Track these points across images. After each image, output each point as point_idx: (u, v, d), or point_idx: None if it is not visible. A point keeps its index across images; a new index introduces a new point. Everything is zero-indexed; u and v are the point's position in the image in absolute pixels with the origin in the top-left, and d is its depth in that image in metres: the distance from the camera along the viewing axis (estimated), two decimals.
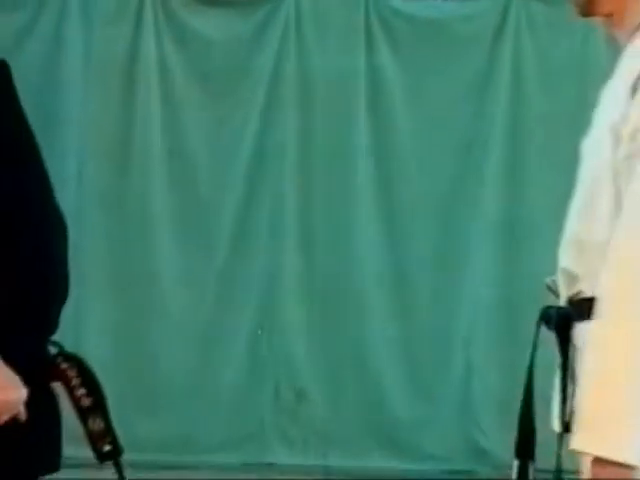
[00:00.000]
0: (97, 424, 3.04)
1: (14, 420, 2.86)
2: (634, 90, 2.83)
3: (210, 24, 8.14)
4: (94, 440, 3.05)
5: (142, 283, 8.08)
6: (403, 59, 8.11)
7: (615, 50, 3.16)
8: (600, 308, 2.81)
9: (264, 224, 8.12)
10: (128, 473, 3.13)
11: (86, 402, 3.04)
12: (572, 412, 2.96)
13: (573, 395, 2.95)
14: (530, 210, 7.70)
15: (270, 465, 7.97)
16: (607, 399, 2.80)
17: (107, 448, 3.06)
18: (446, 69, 8.06)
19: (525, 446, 3.07)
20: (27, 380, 2.90)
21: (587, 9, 3.02)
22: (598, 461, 2.78)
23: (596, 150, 2.94)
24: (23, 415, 2.87)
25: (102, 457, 3.06)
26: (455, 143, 8.03)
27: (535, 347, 3.03)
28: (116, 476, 3.12)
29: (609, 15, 3.01)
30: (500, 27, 8.01)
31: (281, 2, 8.14)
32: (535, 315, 3.09)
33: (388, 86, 8.11)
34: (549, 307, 3.03)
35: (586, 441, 2.80)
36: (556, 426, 3.00)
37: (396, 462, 7.93)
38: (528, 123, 7.80)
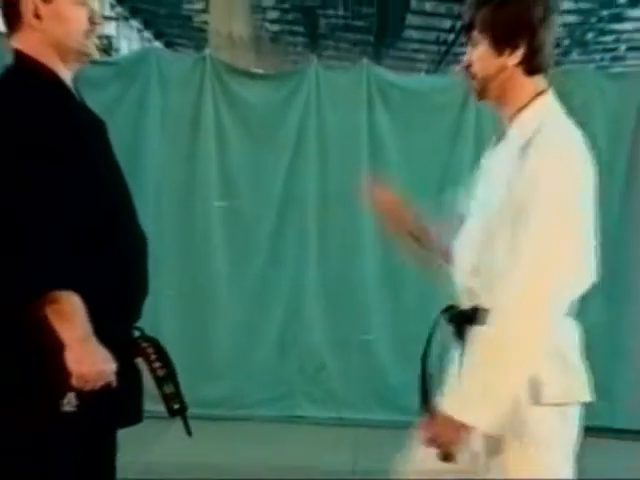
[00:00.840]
0: (169, 389, 3.14)
1: (108, 385, 2.90)
2: (521, 155, 2.92)
3: (253, 92, 8.26)
4: (167, 400, 3.14)
5: (201, 283, 8.16)
6: (395, 118, 8.25)
7: None
8: (493, 317, 2.87)
9: (292, 241, 8.25)
10: (192, 424, 3.21)
11: (160, 372, 3.13)
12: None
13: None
14: None
15: (299, 417, 8.00)
16: (482, 377, 2.86)
17: (176, 406, 3.16)
18: (427, 126, 8.17)
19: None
20: (117, 356, 2.95)
21: (480, 95, 3.13)
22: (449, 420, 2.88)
23: (493, 195, 3.00)
24: (114, 382, 2.93)
25: (173, 413, 3.17)
26: (433, 180, 8.08)
27: (433, 332, 3.30)
28: (183, 427, 3.19)
29: (497, 99, 3.10)
30: (467, 96, 8.07)
31: (304, 76, 8.25)
32: None
33: (384, 138, 8.26)
34: (452, 306, 3.15)
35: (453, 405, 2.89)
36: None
37: (390, 415, 7.97)
38: None
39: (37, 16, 3.04)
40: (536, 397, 2.91)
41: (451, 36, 28.73)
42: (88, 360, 2.86)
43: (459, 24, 26.64)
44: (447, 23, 28.12)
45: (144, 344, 3.14)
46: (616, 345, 7.96)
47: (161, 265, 7.38)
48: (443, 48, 30.70)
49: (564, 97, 8.36)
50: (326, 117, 8.25)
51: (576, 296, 3.00)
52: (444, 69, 29.65)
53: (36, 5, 3.03)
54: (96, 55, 3.26)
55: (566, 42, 29.67)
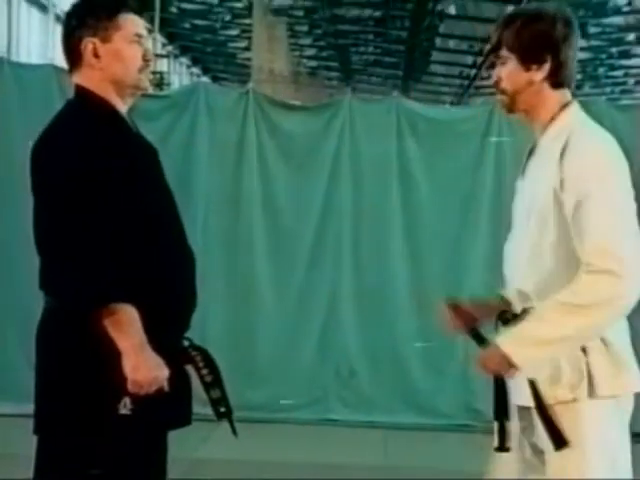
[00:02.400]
0: (216, 393, 3.12)
1: (160, 390, 2.89)
2: (561, 159, 2.91)
3: (292, 122, 8.34)
4: (214, 404, 3.12)
5: (245, 295, 8.17)
6: (422, 145, 8.30)
7: None
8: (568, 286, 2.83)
9: (329, 255, 8.30)
10: (236, 426, 3.19)
11: (208, 378, 3.11)
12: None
13: None
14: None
15: (332, 421, 7.97)
16: (537, 327, 2.84)
17: (223, 409, 3.13)
18: (451, 152, 8.18)
19: (500, 410, 3.05)
20: (169, 363, 2.93)
21: (509, 109, 3.11)
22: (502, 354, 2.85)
23: (534, 207, 2.96)
24: (166, 387, 2.91)
25: (219, 415, 3.14)
26: (458, 200, 8.13)
27: None
28: (229, 428, 3.17)
29: (525, 112, 3.08)
30: (488, 125, 8.06)
31: (339, 108, 8.33)
32: None
33: (412, 163, 8.31)
34: (505, 312, 3.09)
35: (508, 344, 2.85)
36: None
37: (417, 418, 7.98)
38: (507, 187, 7.77)
39: (96, 55, 3.06)
40: (592, 391, 2.86)
41: (473, 71, 28.73)
42: (143, 367, 2.87)
43: (480, 60, 26.64)
44: (469, 59, 28.14)
45: (193, 352, 3.11)
46: None
47: (208, 279, 7.38)
48: (466, 82, 30.73)
49: None
50: (359, 144, 8.27)
51: None
52: (467, 101, 29.67)
53: (95, 45, 3.06)
54: (149, 89, 3.28)
55: (579, 77, 29.55)
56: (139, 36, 3.11)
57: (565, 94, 3.06)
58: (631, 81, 31.06)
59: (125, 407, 2.90)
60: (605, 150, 2.94)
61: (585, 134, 2.96)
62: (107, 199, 2.90)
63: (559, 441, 2.85)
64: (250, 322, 8.17)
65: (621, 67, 29.64)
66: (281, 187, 8.29)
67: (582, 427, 2.86)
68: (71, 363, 2.93)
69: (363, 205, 8.26)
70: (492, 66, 3.13)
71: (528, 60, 2.99)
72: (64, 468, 2.97)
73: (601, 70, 29.31)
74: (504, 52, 3.03)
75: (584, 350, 2.87)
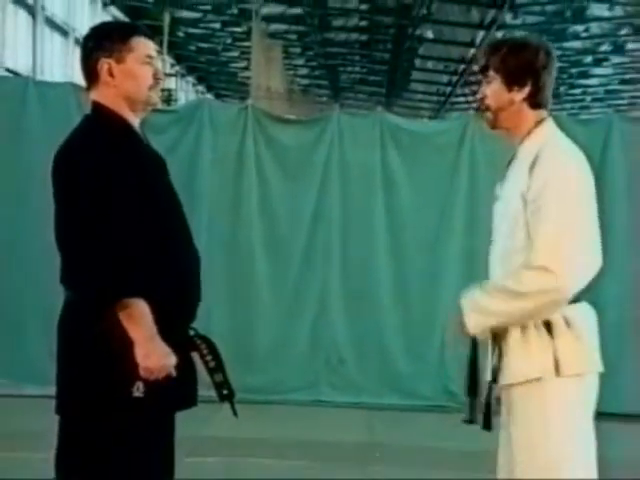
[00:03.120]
0: (219, 377, 3.11)
1: (169, 376, 2.88)
2: (531, 170, 2.97)
3: (287, 134, 8.35)
4: (217, 387, 3.11)
5: (245, 290, 8.15)
6: (404, 155, 8.33)
7: None
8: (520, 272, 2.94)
9: (320, 252, 8.30)
10: (237, 407, 3.18)
11: (212, 364, 3.10)
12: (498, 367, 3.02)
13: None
14: (483, 243, 7.63)
15: (323, 402, 8.00)
16: (490, 302, 2.96)
17: (225, 392, 3.10)
18: (429, 161, 8.21)
19: (471, 388, 3.11)
20: (177, 351, 2.93)
21: (493, 125, 3.16)
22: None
23: (508, 211, 3.03)
24: (173, 373, 2.90)
25: (222, 398, 3.12)
26: (435, 204, 8.12)
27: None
28: (230, 410, 3.16)
29: (507, 129, 3.14)
30: (462, 137, 8.08)
31: (329, 121, 8.36)
32: None
33: (394, 172, 8.35)
34: None
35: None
36: (488, 376, 3.05)
37: (399, 400, 7.98)
38: (479, 192, 7.80)
39: (111, 74, 3.06)
40: (558, 370, 2.90)
41: (449, 88, 28.74)
42: (154, 355, 2.87)
43: (455, 80, 26.66)
44: (445, 78, 28.15)
45: (198, 341, 3.10)
46: None
47: (212, 277, 7.35)
48: (442, 98, 30.74)
49: None
50: (347, 154, 8.27)
51: (587, 281, 2.98)
52: (443, 115, 29.67)
53: (110, 65, 3.06)
54: (159, 104, 3.27)
55: None
56: (150, 57, 3.10)
57: (542, 113, 3.11)
58: (588, 98, 31.16)
59: (138, 390, 2.89)
60: (569, 164, 2.98)
61: (554, 149, 3.00)
62: (121, 204, 2.90)
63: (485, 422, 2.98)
64: (249, 315, 8.15)
65: (580, 86, 29.76)
66: (277, 193, 8.27)
67: (548, 403, 2.89)
68: (89, 351, 2.92)
69: (350, 209, 8.26)
70: (478, 84, 3.19)
71: (511, 82, 3.05)
72: (84, 445, 2.96)
73: (562, 88, 29.42)
74: (490, 73, 3.09)
75: (551, 333, 2.91)
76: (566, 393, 2.91)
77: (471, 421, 3.05)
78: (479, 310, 2.95)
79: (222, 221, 8.18)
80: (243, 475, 5.78)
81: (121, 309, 2.85)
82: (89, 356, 2.93)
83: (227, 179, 8.21)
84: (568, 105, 30.61)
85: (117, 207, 2.89)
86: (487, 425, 2.98)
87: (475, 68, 3.26)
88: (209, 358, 3.09)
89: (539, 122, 3.08)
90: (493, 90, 3.07)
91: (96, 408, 2.93)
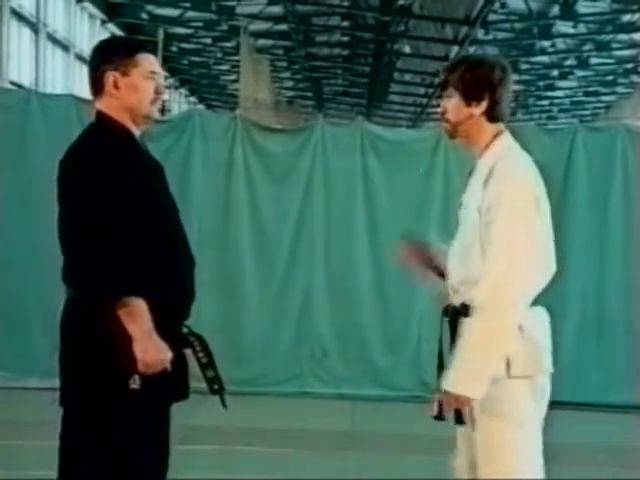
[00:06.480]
0: (210, 373, 3.10)
1: (164, 370, 2.87)
2: (485, 183, 2.98)
3: (273, 143, 8.37)
4: (209, 382, 3.09)
5: (235, 288, 8.18)
6: (383, 162, 8.36)
7: None
8: (476, 312, 2.92)
9: (305, 252, 8.32)
10: (226, 399, 3.17)
11: (204, 360, 3.09)
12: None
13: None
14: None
15: (307, 393, 7.98)
16: (471, 361, 2.90)
17: (216, 387, 3.08)
18: (406, 167, 8.23)
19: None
20: (172, 347, 2.92)
21: (451, 135, 3.15)
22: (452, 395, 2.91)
23: (468, 220, 3.04)
24: (168, 367, 2.90)
25: (213, 392, 3.09)
26: (412, 207, 8.15)
27: (442, 325, 3.09)
28: (220, 401, 3.15)
29: (465, 139, 3.12)
30: (436, 145, 8.12)
31: (313, 130, 8.41)
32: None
33: (374, 177, 8.39)
34: (447, 305, 3.12)
35: (456, 383, 2.91)
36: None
37: (378, 391, 7.98)
38: (452, 195, 7.82)
39: (116, 86, 3.05)
40: (508, 371, 2.92)
41: (425, 100, 28.82)
42: (151, 350, 2.87)
43: (431, 91, 26.75)
44: (421, 90, 28.22)
45: (192, 338, 3.09)
46: None
47: (202, 275, 7.36)
48: (419, 109, 30.82)
49: None
50: (330, 161, 8.30)
51: (540, 289, 2.99)
52: (419, 124, 29.73)
53: (116, 78, 3.04)
54: (158, 117, 3.27)
55: (513, 105, 29.68)
56: (153, 73, 3.09)
57: (499, 126, 3.09)
58: (555, 109, 31.28)
59: (135, 383, 2.90)
60: (520, 178, 2.97)
61: (507, 163, 2.99)
62: (121, 207, 2.89)
63: (457, 418, 2.96)
64: (238, 311, 8.16)
65: (547, 97, 29.87)
66: (264, 197, 8.28)
67: (502, 401, 2.92)
68: (89, 346, 2.92)
69: (333, 212, 8.29)
70: (440, 98, 3.17)
71: (469, 97, 3.04)
72: (85, 434, 2.96)
73: (531, 100, 29.53)
74: (450, 89, 3.08)
75: None
76: (516, 392, 2.93)
77: (439, 417, 3.02)
78: (471, 376, 2.88)
79: (212, 223, 8.17)
80: (232, 462, 5.78)
81: (121, 307, 2.85)
82: (89, 350, 2.92)
83: (217, 184, 8.22)
84: (536, 115, 30.71)
85: (117, 210, 2.88)
86: (459, 420, 2.96)
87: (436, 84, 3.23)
88: (201, 355, 3.06)
89: (496, 135, 3.07)
90: (453, 105, 3.06)
91: (95, 399, 2.92)
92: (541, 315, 3.05)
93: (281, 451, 6.05)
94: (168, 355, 2.92)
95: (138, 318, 2.87)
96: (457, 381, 2.89)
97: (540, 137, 8.16)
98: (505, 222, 2.88)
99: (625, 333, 7.93)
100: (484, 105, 3.03)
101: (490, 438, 2.96)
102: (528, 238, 2.91)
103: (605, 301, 8.01)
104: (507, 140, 3.09)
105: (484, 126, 3.05)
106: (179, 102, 33.87)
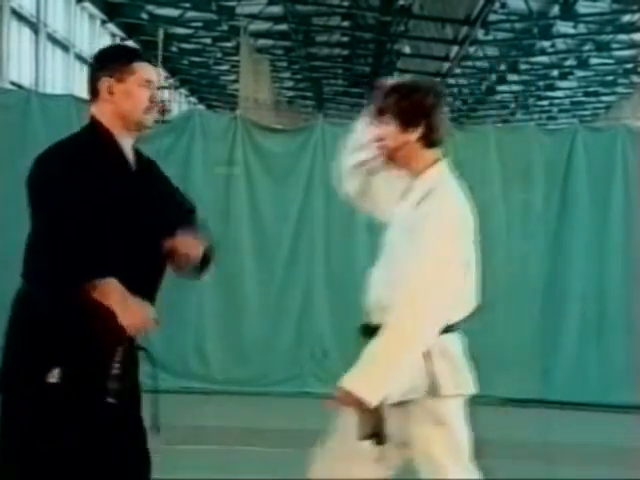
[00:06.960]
0: (113, 384, 2.90)
1: (154, 324, 2.90)
2: (417, 204, 3.02)
3: (273, 143, 8.36)
4: (107, 392, 2.90)
5: (236, 288, 8.18)
6: None
7: None
8: (387, 325, 2.98)
9: (305, 252, 8.32)
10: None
11: (115, 371, 2.90)
12: None
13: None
14: None
15: (308, 393, 7.95)
16: (372, 367, 3.02)
17: (110, 399, 2.89)
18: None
19: None
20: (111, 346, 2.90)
21: (390, 161, 3.13)
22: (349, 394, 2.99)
23: (394, 242, 3.10)
24: (156, 322, 2.91)
25: (104, 397, 2.91)
26: None
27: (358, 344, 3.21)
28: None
29: (401, 164, 3.11)
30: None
31: (313, 130, 8.39)
32: None
33: None
34: (366, 324, 3.23)
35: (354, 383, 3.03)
36: None
37: None
38: None
39: (110, 92, 3.07)
40: (436, 391, 2.97)
41: None
42: (132, 310, 2.85)
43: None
44: None
45: (121, 347, 2.94)
46: None
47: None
48: None
49: (510, 147, 8.26)
50: (330, 161, 8.19)
51: (458, 318, 3.04)
52: None
53: (110, 84, 3.07)
54: (152, 126, 3.22)
55: (513, 105, 29.72)
56: (149, 82, 3.10)
57: (436, 152, 3.09)
58: (555, 109, 31.28)
59: (54, 377, 2.86)
60: (451, 207, 3.00)
61: (442, 191, 3.01)
62: (78, 213, 2.94)
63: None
64: (238, 311, 8.15)
65: (547, 98, 29.86)
66: (264, 197, 8.29)
67: (425, 422, 3.00)
68: (18, 334, 2.98)
69: (333, 211, 8.23)
70: (377, 125, 3.13)
71: (405, 124, 3.03)
72: (15, 425, 2.94)
73: (530, 100, 29.53)
74: (387, 116, 3.07)
75: (429, 359, 2.97)
76: (446, 411, 3.00)
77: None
78: (372, 380, 2.97)
79: (213, 223, 8.05)
80: (232, 462, 5.78)
81: (94, 289, 2.84)
82: (18, 339, 2.97)
83: (217, 184, 8.22)
84: (536, 115, 30.71)
85: (72, 216, 2.94)
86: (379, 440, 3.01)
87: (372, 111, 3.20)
88: (117, 365, 2.90)
89: (434, 162, 3.06)
90: (390, 131, 3.05)
91: (14, 387, 2.93)
92: (459, 340, 3.09)
93: (281, 451, 6.03)
94: (150, 310, 2.91)
95: (110, 292, 2.84)
96: (353, 380, 3.00)
97: (540, 137, 8.15)
98: (430, 244, 2.91)
99: (625, 333, 7.93)
100: (420, 131, 3.02)
101: (428, 448, 3.01)
102: (443, 271, 2.93)
103: (605, 301, 8.00)
104: (443, 169, 3.09)
105: (421, 152, 3.05)
106: (179, 102, 33.89)
